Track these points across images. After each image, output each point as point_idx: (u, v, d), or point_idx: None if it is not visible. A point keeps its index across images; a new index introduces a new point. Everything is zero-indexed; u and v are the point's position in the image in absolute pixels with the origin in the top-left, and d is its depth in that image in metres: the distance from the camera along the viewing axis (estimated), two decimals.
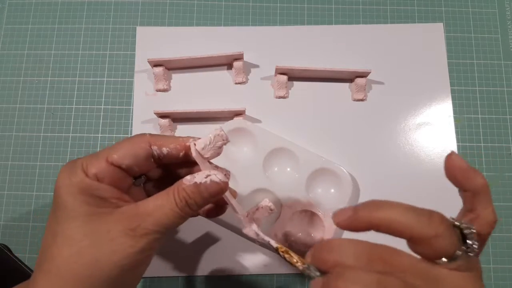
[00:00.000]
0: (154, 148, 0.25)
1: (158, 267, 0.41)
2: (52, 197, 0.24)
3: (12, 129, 0.44)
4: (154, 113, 0.42)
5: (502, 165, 0.44)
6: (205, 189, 0.24)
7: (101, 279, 0.22)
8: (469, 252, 0.19)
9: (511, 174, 0.44)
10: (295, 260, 0.23)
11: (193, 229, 0.42)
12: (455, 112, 0.45)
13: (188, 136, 0.26)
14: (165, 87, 0.44)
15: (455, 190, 0.23)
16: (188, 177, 0.24)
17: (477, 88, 0.46)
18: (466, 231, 0.20)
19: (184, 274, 0.41)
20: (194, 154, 0.25)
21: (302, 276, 0.41)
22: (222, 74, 0.46)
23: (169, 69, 0.45)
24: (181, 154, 0.26)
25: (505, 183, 0.44)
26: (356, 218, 0.20)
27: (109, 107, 0.45)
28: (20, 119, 0.45)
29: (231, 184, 0.39)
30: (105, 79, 0.46)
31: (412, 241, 0.20)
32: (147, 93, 0.45)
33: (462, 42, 0.47)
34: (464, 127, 0.45)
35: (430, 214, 0.19)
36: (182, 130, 0.44)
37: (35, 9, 0.47)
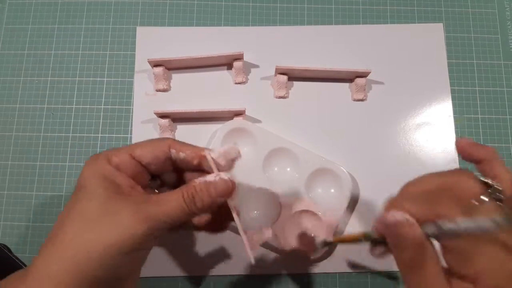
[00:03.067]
0: (173, 151, 0.27)
1: (158, 267, 0.41)
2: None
3: (12, 129, 0.44)
4: (154, 113, 0.42)
5: None
6: (214, 187, 0.25)
7: (100, 256, 0.23)
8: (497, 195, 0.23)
9: None
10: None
11: None
12: (455, 112, 0.45)
13: (203, 147, 0.28)
14: (165, 87, 0.44)
15: None
16: (199, 178, 0.26)
17: (477, 88, 0.46)
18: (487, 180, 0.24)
19: (184, 274, 0.41)
20: (208, 158, 0.27)
21: (302, 276, 0.41)
22: (222, 74, 0.46)
23: (169, 69, 0.45)
24: (196, 161, 0.27)
25: None
26: (476, 149, 0.26)
27: (109, 107, 0.45)
28: (20, 119, 0.45)
29: None
30: (105, 79, 0.46)
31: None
32: (147, 93, 0.45)
33: (462, 42, 0.47)
34: (464, 127, 0.45)
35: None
36: (182, 130, 0.44)
37: (35, 9, 0.47)
